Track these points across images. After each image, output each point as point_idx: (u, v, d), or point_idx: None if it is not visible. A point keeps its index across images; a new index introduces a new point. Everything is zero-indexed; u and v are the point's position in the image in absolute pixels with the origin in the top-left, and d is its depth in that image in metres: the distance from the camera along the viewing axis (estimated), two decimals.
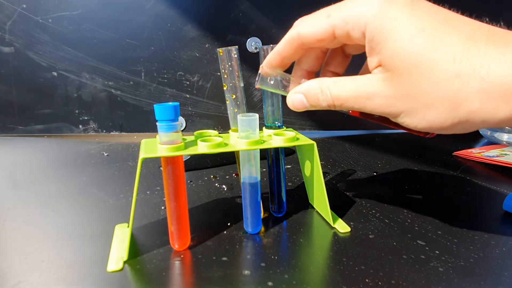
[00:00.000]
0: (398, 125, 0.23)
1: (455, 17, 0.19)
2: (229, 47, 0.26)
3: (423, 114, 0.20)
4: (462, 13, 0.20)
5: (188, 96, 0.62)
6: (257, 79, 0.25)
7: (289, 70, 0.26)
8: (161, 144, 0.23)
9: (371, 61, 0.21)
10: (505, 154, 0.49)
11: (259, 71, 0.25)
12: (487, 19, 0.20)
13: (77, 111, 0.61)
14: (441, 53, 0.18)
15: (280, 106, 0.29)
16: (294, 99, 0.24)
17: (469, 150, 0.52)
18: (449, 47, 0.18)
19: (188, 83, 0.62)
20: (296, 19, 0.23)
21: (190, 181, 0.40)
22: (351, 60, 0.27)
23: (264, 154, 0.31)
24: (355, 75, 0.22)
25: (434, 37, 0.18)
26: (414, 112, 0.20)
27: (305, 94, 0.23)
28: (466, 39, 0.18)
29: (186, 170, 0.42)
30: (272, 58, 0.25)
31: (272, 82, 0.25)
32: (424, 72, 0.19)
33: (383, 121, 0.24)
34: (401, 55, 0.19)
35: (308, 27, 0.22)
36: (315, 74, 0.27)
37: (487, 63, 0.17)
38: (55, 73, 0.58)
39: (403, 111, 0.20)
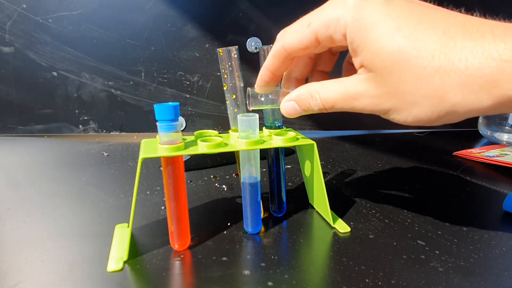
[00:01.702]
0: None
1: (430, 11, 0.20)
2: (229, 47, 0.26)
3: (409, 110, 0.20)
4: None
5: (188, 96, 0.62)
6: (247, 101, 0.26)
7: None
8: (161, 144, 0.23)
9: (355, 62, 0.21)
10: (505, 154, 0.49)
11: (247, 93, 0.26)
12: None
13: (77, 111, 0.61)
14: (419, 51, 0.18)
15: None
16: (286, 107, 0.25)
17: (469, 150, 0.52)
18: (426, 44, 0.18)
19: (188, 83, 0.62)
20: (296, 19, 0.24)
21: (190, 181, 0.40)
22: (339, 56, 0.27)
23: (264, 154, 0.31)
24: (341, 77, 0.23)
25: (411, 35, 0.19)
26: (401, 109, 0.20)
27: (296, 100, 0.24)
28: (442, 34, 0.18)
29: (186, 170, 0.42)
30: (264, 74, 0.26)
31: (263, 99, 0.26)
32: (404, 71, 0.19)
33: None
34: (381, 56, 0.19)
35: (291, 39, 0.23)
36: (305, 80, 0.27)
37: (465, 57, 0.18)
38: (55, 73, 0.58)
39: (391, 108, 0.21)
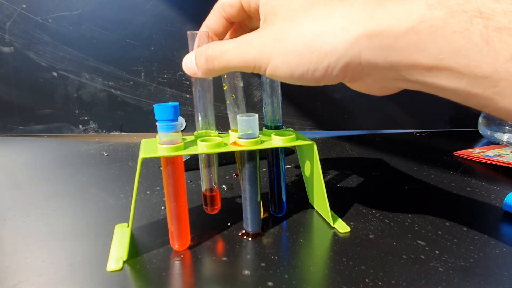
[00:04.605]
0: None
1: None
2: None
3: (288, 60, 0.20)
4: None
5: (188, 96, 0.62)
6: None
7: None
8: (161, 144, 0.23)
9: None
10: (505, 154, 0.49)
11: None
12: None
13: (77, 111, 0.61)
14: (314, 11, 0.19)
15: (280, 106, 0.29)
16: (185, 59, 0.24)
17: (469, 150, 0.52)
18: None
19: (188, 83, 0.62)
20: None
21: (190, 181, 0.40)
22: None
23: (264, 154, 0.31)
24: None
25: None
26: (280, 56, 0.20)
27: (195, 52, 0.23)
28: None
29: (186, 170, 0.42)
30: (201, 29, 0.26)
31: None
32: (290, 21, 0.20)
33: None
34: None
35: None
36: None
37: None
38: (55, 73, 0.58)
39: (272, 53, 0.20)
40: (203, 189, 0.29)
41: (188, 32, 0.25)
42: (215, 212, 0.29)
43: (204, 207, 0.29)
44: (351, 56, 0.18)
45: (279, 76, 0.21)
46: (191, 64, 0.23)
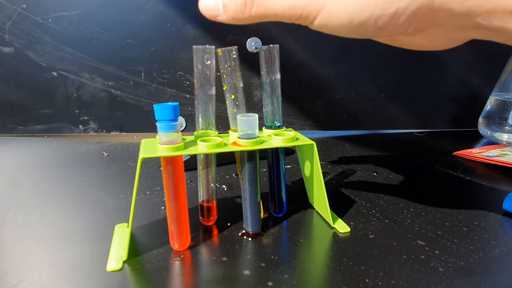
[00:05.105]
0: None
1: None
2: (229, 47, 0.26)
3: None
4: None
5: (188, 96, 0.62)
6: None
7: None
8: (161, 144, 0.23)
9: None
10: (505, 154, 0.49)
11: None
12: None
13: (77, 111, 0.61)
14: None
15: (280, 106, 0.29)
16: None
17: (469, 150, 0.52)
18: None
19: (188, 83, 0.62)
20: None
21: (190, 181, 0.40)
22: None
23: (264, 154, 0.31)
24: None
25: None
26: (338, 1, 0.17)
27: None
28: None
29: (186, 170, 0.42)
30: None
31: None
32: None
33: None
34: None
35: None
36: None
37: None
38: (55, 73, 0.58)
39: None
40: (200, 200, 0.29)
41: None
42: (211, 223, 0.29)
43: (201, 218, 0.29)
44: (423, 0, 0.16)
45: (332, 26, 0.18)
46: (215, 4, 0.20)
